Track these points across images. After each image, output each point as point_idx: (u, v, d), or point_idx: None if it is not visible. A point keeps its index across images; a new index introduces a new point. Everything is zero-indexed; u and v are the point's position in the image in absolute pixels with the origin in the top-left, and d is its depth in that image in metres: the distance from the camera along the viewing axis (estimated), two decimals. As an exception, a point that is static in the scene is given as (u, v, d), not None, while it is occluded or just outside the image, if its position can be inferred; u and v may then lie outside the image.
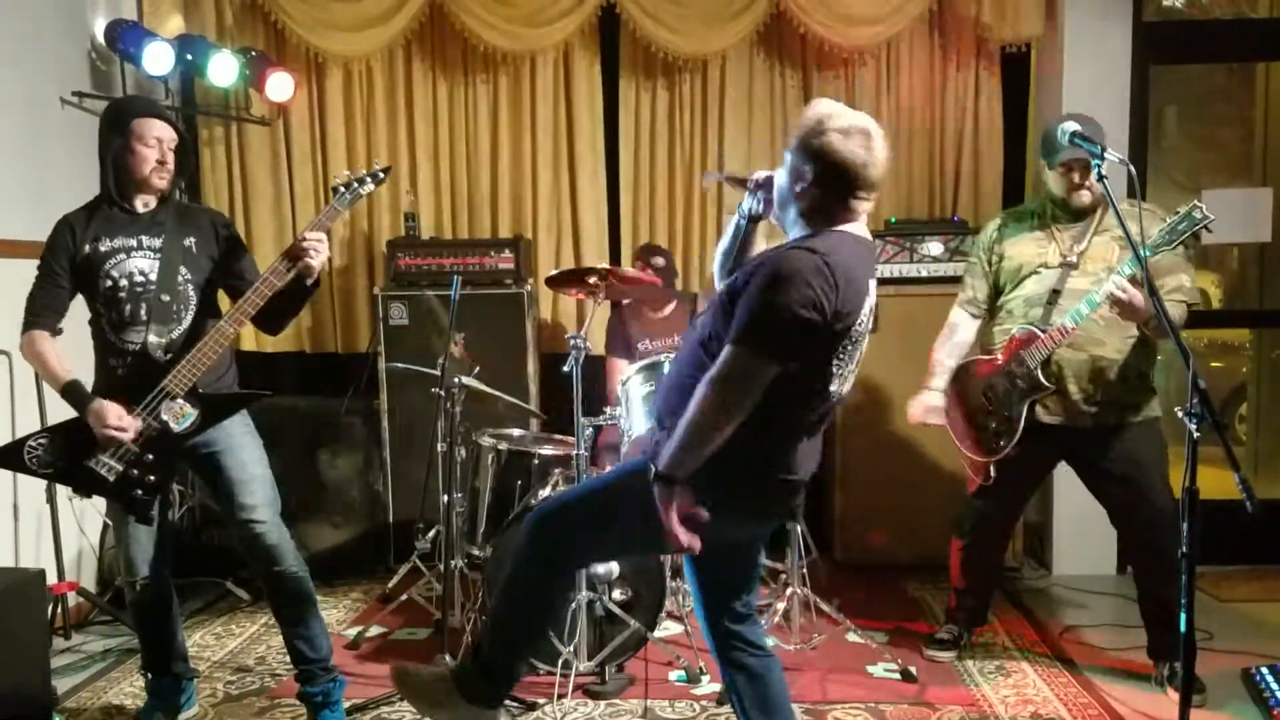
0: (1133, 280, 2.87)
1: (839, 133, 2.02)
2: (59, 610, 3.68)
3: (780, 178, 2.16)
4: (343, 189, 2.86)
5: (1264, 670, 3.05)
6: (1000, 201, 4.69)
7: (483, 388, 3.50)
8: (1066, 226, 3.19)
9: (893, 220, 4.51)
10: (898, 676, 3.29)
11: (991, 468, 3.28)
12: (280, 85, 4.42)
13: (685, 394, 2.04)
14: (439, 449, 3.57)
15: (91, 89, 4.10)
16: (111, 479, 2.70)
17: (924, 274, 4.38)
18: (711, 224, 4.75)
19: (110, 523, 4.02)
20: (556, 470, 3.59)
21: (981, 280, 3.38)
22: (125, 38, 4.06)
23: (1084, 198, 3.12)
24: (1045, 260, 3.18)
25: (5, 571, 3.00)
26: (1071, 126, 2.65)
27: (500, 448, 3.60)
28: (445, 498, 3.37)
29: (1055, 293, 3.13)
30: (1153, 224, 2.91)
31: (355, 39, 4.53)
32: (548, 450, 3.62)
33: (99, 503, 4.00)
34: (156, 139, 2.76)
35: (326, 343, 4.87)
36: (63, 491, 3.71)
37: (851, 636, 3.55)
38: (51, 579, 3.61)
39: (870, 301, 2.09)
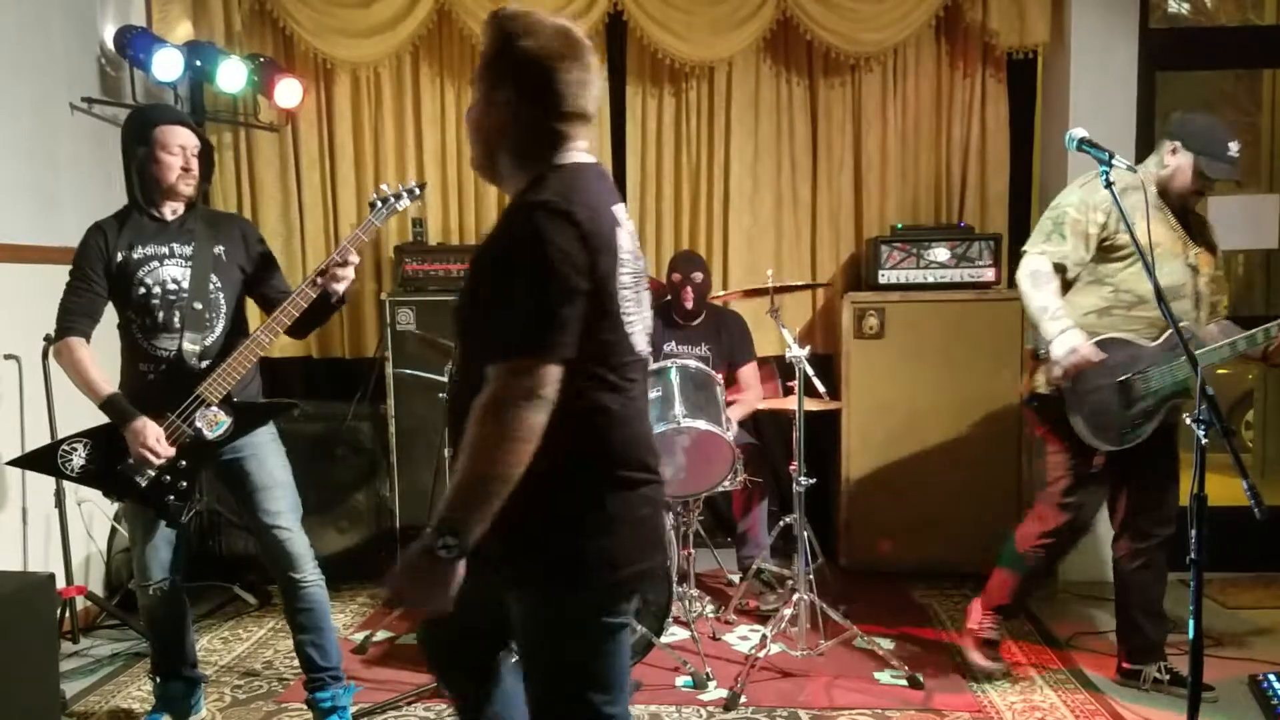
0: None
1: (530, 37, 1.68)
2: (67, 614, 3.69)
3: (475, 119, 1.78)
4: (379, 204, 2.87)
5: (1271, 677, 3.05)
6: (1007, 207, 4.70)
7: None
8: (1171, 218, 3.05)
9: (899, 226, 4.51)
10: (904, 683, 3.29)
11: (1098, 455, 3.09)
12: (288, 91, 4.43)
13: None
14: (445, 454, 3.58)
15: (101, 95, 4.12)
16: (144, 484, 2.72)
17: (930, 279, 4.38)
18: (718, 228, 4.76)
19: (118, 527, 4.05)
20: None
21: (1082, 244, 3.04)
22: (135, 44, 4.07)
23: (1193, 202, 3.08)
24: (1171, 249, 3.00)
25: (14, 575, 3.01)
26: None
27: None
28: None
29: (1198, 293, 3.03)
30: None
31: (363, 45, 4.55)
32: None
33: (106, 507, 4.02)
34: (180, 146, 2.77)
35: (333, 348, 4.88)
36: (71, 496, 3.72)
37: (858, 643, 3.55)
38: (60, 583, 3.62)
39: (625, 231, 1.74)
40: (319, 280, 2.75)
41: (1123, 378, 3.00)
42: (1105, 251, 3.06)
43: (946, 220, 4.69)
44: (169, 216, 2.83)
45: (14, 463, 2.88)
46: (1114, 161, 2.47)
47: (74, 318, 2.74)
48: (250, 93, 4.50)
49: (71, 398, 2.78)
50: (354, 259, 2.78)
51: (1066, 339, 2.98)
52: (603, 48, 4.70)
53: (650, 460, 1.81)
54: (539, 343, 1.59)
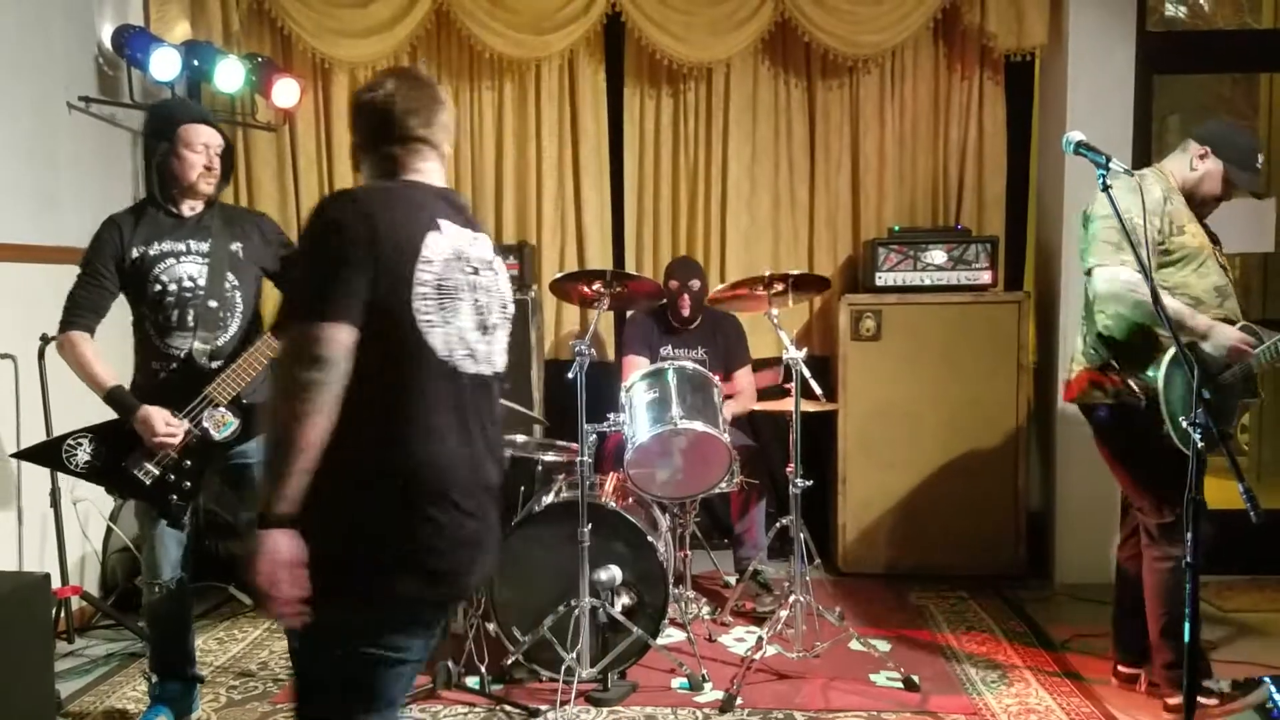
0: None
1: (368, 88, 1.91)
2: (63, 614, 3.68)
3: None
4: None
5: (1267, 680, 3.04)
6: (1004, 210, 4.71)
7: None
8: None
9: (896, 228, 4.51)
10: (900, 685, 3.29)
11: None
12: (286, 91, 4.43)
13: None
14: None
15: (98, 94, 4.11)
16: (148, 483, 2.72)
17: (927, 282, 4.38)
18: (715, 230, 4.76)
19: (114, 527, 4.05)
20: (560, 476, 3.61)
21: (1142, 248, 2.80)
22: (132, 43, 4.06)
23: (1209, 210, 3.06)
24: (1211, 251, 2.97)
25: (9, 575, 3.01)
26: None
27: (504, 453, 3.60)
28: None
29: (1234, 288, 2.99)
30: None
31: (361, 45, 4.54)
32: (551, 456, 3.62)
33: (103, 506, 4.02)
34: (204, 145, 2.77)
35: (331, 348, 4.87)
36: (66, 495, 3.71)
37: (854, 645, 3.55)
38: (55, 583, 3.61)
39: (449, 242, 1.76)
40: None
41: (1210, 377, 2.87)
42: (1160, 255, 2.95)
43: (943, 223, 4.70)
44: (187, 213, 2.82)
45: (19, 455, 2.86)
46: (1111, 165, 2.47)
47: (79, 312, 2.73)
48: (248, 92, 4.50)
49: (69, 398, 2.78)
50: None
51: (1220, 332, 2.86)
52: (601, 49, 4.70)
53: (457, 486, 1.72)
54: (310, 306, 1.62)
